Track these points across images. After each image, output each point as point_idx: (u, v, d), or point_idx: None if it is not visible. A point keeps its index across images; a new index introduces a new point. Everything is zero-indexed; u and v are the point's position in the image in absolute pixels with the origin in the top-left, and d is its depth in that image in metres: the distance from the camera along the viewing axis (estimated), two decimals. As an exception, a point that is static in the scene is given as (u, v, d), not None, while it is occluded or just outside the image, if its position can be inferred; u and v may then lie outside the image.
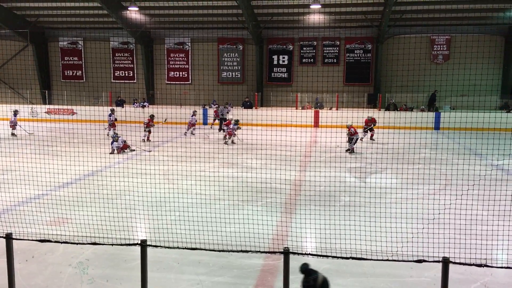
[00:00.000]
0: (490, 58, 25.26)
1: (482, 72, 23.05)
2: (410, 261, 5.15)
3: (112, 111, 19.95)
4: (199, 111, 24.64)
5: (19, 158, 12.57)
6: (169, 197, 9.83)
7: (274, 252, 4.49)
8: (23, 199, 9.82)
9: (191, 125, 20.80)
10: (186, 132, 20.61)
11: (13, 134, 19.84)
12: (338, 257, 4.63)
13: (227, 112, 23.62)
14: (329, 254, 6.03)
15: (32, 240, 4.60)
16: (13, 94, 29.24)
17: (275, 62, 28.04)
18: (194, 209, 8.97)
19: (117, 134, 15.88)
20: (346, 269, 6.53)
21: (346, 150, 16.44)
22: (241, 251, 4.61)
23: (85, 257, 6.92)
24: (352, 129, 16.37)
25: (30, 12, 26.92)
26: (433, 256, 5.72)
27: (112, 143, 15.53)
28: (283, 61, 27.96)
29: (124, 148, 15.76)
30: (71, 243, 4.78)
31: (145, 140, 18.49)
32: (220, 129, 22.04)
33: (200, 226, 7.61)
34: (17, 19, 26.88)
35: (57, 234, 7.24)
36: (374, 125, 18.93)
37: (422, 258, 5.01)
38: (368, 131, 19.06)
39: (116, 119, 19.34)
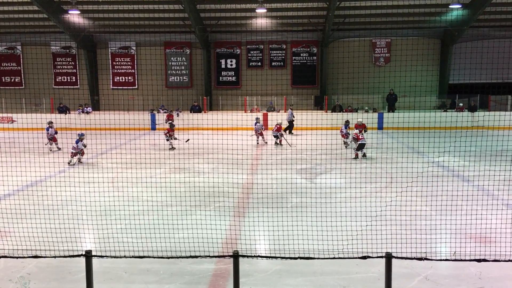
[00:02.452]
0: (428, 60, 26.59)
1: (421, 74, 24.22)
2: (356, 257, 5.32)
3: (50, 124, 18.24)
4: (154, 115, 24.23)
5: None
6: (116, 205, 9.60)
7: (224, 256, 4.51)
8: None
9: (259, 133, 19.27)
10: (260, 141, 19.32)
11: None
12: (287, 258, 4.72)
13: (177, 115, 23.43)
14: (279, 255, 6.13)
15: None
16: None
17: (223, 66, 28.09)
18: (142, 216, 8.82)
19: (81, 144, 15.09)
20: (297, 269, 6.65)
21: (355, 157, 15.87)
22: (191, 256, 4.59)
23: (26, 271, 6.63)
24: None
25: (-39, 16, 25.48)
26: (377, 252, 5.94)
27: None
28: (231, 65, 28.06)
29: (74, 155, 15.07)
30: (11, 257, 4.57)
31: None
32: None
33: (149, 233, 7.49)
34: None
35: (-4, 249, 6.89)
36: (365, 131, 17.63)
37: (367, 254, 5.19)
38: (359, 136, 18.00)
39: (56, 132, 18.03)
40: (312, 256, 5.87)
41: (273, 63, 28.09)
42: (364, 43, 27.34)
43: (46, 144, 17.50)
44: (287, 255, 6.18)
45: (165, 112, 25.93)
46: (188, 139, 15.22)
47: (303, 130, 17.87)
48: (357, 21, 26.29)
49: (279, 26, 26.48)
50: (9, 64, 28.38)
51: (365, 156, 15.64)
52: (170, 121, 21.26)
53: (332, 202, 9.63)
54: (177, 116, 25.04)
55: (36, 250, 6.59)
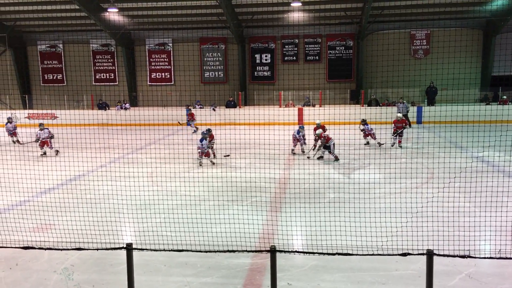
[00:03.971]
0: (469, 51, 25.68)
1: (462, 66, 23.45)
2: (395, 254, 5.21)
3: (9, 119, 19.20)
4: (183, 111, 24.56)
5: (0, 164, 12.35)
6: (155, 199, 9.78)
7: (261, 251, 4.50)
8: (5, 206, 9.66)
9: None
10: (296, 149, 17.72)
11: (17, 141, 19.02)
12: (325, 254, 4.66)
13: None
14: (316, 250, 6.08)
15: (15, 247, 4.52)
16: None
17: (258, 61, 28.07)
18: (180, 210, 8.93)
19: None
20: (333, 265, 6.58)
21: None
22: (228, 251, 4.61)
23: (70, 262, 6.84)
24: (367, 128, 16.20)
25: (7, 16, 26.46)
26: (418, 249, 5.79)
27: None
28: (266, 60, 28.00)
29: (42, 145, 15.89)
30: (55, 249, 4.71)
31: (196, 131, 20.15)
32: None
33: (186, 227, 7.58)
34: (-6, 23, 26.43)
35: (41, 241, 7.13)
36: (406, 127, 16.45)
37: (407, 251, 5.07)
38: (398, 135, 16.35)
39: (15, 128, 19.08)
40: (350, 252, 5.79)
41: (308, 57, 27.85)
42: (402, 35, 26.69)
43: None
44: (323, 251, 6.12)
45: (200, 108, 26.21)
46: (229, 155, 14.67)
47: (339, 125, 17.63)
48: (395, 12, 25.67)
49: (315, 20, 26.19)
50: (51, 62, 29.33)
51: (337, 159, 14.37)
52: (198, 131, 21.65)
53: (370, 198, 9.47)
54: (213, 111, 25.25)
55: (78, 242, 6.79)
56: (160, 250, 4.79)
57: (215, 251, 4.95)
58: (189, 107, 24.46)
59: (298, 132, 15.73)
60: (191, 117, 22.17)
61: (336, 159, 14.27)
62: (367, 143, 17.34)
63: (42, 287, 6.17)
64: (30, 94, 28.90)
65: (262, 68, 28.11)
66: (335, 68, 27.49)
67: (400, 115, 16.81)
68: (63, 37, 28.69)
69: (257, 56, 28.02)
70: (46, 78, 29.49)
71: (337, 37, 27.43)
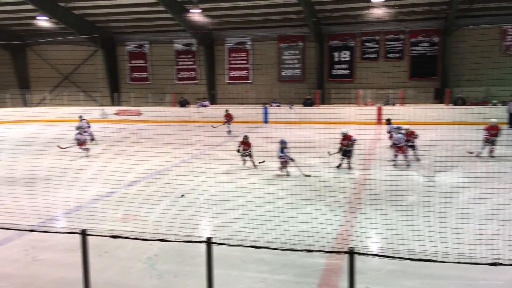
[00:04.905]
0: None
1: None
2: (485, 264, 4.87)
3: (81, 118, 19.01)
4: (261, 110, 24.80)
5: (91, 157, 13.30)
6: (232, 195, 9.97)
7: (339, 252, 4.41)
8: (95, 197, 10.35)
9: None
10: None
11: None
12: (406, 259, 4.46)
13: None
14: (394, 254, 5.84)
15: (105, 236, 4.82)
16: (85, 96, 30.92)
17: (336, 59, 27.61)
18: (256, 207, 9.03)
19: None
20: (413, 271, 6.30)
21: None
22: (306, 250, 4.57)
23: (153, 252, 7.17)
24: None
25: (99, 18, 28.32)
26: (510, 259, 5.37)
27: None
28: (344, 57, 27.47)
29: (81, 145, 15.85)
30: (140, 239, 4.96)
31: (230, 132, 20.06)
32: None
33: (262, 224, 7.64)
34: (88, 25, 28.39)
35: (126, 231, 7.53)
36: (498, 135, 14.31)
37: (497, 261, 4.72)
38: (490, 143, 14.35)
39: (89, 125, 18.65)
40: (432, 258, 5.50)
41: (389, 55, 26.91)
42: (492, 30, 24.91)
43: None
44: (402, 255, 5.88)
45: (277, 106, 26.32)
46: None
47: (421, 125, 16.88)
48: (485, 6, 24.02)
49: (397, 16, 25.23)
50: (138, 61, 30.96)
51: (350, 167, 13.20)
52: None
53: (455, 202, 8.95)
54: (290, 108, 25.27)
55: (161, 234, 7.07)
56: (238, 246, 4.86)
57: (292, 250, 4.93)
58: (227, 110, 24.25)
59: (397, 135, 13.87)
60: (228, 118, 22.24)
61: (349, 167, 13.15)
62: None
63: (127, 274, 6.53)
64: (119, 91, 30.72)
65: (341, 66, 27.62)
66: (418, 65, 26.29)
67: (494, 120, 14.61)
68: (149, 38, 30.15)
69: (336, 54, 27.57)
70: (133, 76, 31.19)
71: (421, 33, 26.22)
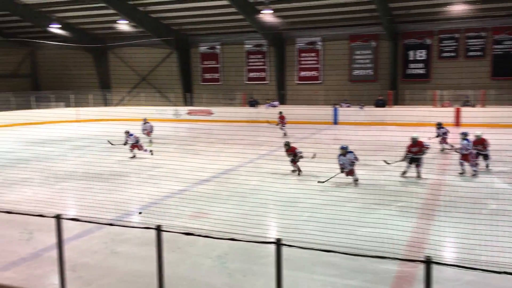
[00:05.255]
0: None
1: None
2: None
3: (145, 120, 19.45)
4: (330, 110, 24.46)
5: (164, 155, 13.77)
6: (300, 196, 9.92)
7: (415, 261, 4.22)
8: (168, 193, 10.73)
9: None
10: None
11: (149, 141, 19.37)
12: (490, 271, 4.17)
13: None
14: (474, 265, 5.50)
15: (178, 232, 4.98)
16: (160, 97, 32.21)
17: (411, 58, 26.56)
18: (325, 209, 8.90)
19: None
20: (493, 283, 5.92)
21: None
22: (378, 257, 4.43)
23: (223, 250, 7.30)
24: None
25: (174, 21, 29.37)
26: None
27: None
28: (420, 57, 26.36)
29: (135, 147, 15.96)
30: (212, 237, 5.06)
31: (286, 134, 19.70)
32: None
33: (331, 226, 7.51)
34: (164, 28, 29.54)
35: (197, 228, 7.72)
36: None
37: None
38: None
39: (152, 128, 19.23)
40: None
41: (470, 53, 25.44)
42: None
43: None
44: (481, 267, 5.52)
45: (347, 106, 25.85)
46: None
47: (505, 128, 15.80)
48: None
49: (478, 12, 23.79)
50: (209, 62, 31.74)
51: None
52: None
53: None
54: (361, 109, 24.72)
55: (230, 232, 7.17)
56: (308, 249, 4.81)
57: (363, 256, 4.79)
58: (280, 112, 23.81)
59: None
60: (281, 120, 21.54)
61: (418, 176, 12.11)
62: (443, 149, 15.58)
63: (197, 270, 6.71)
64: (191, 92, 31.67)
65: (416, 65, 26.53)
66: (502, 64, 24.61)
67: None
68: (221, 39, 30.81)
69: (410, 53, 26.53)
70: (205, 77, 32.02)
71: (505, 30, 24.54)
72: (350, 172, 11.57)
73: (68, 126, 22.91)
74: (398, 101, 26.57)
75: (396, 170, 12.43)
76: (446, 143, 15.63)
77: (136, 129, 17.18)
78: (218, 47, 31.23)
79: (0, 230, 8.41)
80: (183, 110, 29.12)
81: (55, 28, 29.13)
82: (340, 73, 27.83)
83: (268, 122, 21.60)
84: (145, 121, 19.58)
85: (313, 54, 28.82)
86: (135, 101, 31.87)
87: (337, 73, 27.83)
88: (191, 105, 30.24)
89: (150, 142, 18.95)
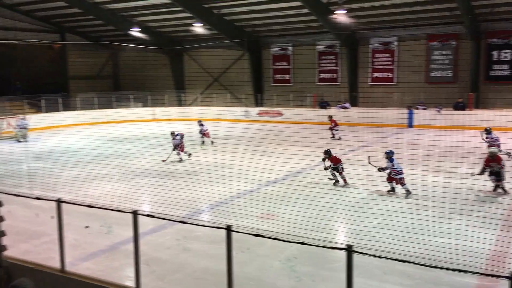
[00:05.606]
0: None
1: None
2: None
3: (200, 122, 19.72)
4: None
5: (234, 155, 13.98)
6: (370, 201, 9.63)
7: (499, 276, 3.92)
8: (237, 193, 10.87)
9: None
10: None
11: (202, 143, 19.66)
12: None
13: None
14: None
15: (247, 233, 5.01)
16: (231, 97, 32.79)
17: (495, 58, 24.89)
18: (398, 215, 8.57)
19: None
20: None
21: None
22: (459, 270, 4.17)
23: (291, 252, 7.26)
24: None
25: (247, 23, 29.77)
26: None
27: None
28: (505, 57, 24.62)
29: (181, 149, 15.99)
30: (280, 240, 5.04)
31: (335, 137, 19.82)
32: None
33: (404, 234, 7.22)
34: (237, 30, 30.05)
35: (264, 230, 7.73)
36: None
37: None
38: None
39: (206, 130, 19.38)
40: None
41: (562, 53, 23.39)
42: None
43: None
44: None
45: (423, 109, 24.78)
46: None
47: None
48: None
49: None
50: (281, 64, 31.80)
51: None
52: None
53: None
54: (438, 112, 23.59)
55: (298, 236, 7.11)
56: (381, 257, 4.64)
57: (443, 268, 4.54)
58: (330, 116, 22.80)
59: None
60: (334, 124, 20.88)
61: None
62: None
63: (265, 271, 6.72)
64: (262, 93, 31.93)
65: (501, 66, 24.80)
66: None
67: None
68: (293, 40, 30.76)
69: (495, 53, 24.85)
70: (276, 78, 32.13)
71: None
72: (392, 179, 11.13)
73: (145, 125, 23.99)
74: (479, 104, 25.01)
75: (476, 178, 11.70)
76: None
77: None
78: (289, 48, 31.21)
79: (83, 222, 8.96)
80: (254, 111, 29.42)
81: (135, 32, 30.65)
82: (416, 74, 26.73)
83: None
84: (200, 123, 19.94)
85: (387, 55, 27.93)
86: (207, 102, 32.67)
87: (413, 74, 26.74)
88: (262, 106, 30.47)
89: (203, 143, 19.44)
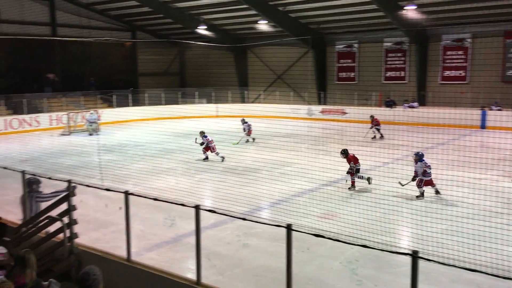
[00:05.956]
0: None
1: None
2: None
3: (243, 120, 19.74)
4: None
5: (296, 153, 13.94)
6: (438, 205, 9.20)
7: None
8: (297, 192, 10.80)
9: None
10: None
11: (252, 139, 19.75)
12: None
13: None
14: None
15: (307, 233, 4.95)
16: (294, 95, 32.67)
17: None
18: (466, 221, 8.12)
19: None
20: None
21: None
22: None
23: (352, 254, 7.10)
24: None
25: (312, 20, 29.48)
26: None
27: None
28: None
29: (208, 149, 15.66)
30: (342, 241, 4.93)
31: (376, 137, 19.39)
32: None
33: (473, 241, 6.83)
34: (301, 27, 29.84)
35: (324, 230, 7.62)
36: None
37: None
38: None
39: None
40: None
41: None
42: None
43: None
44: None
45: (498, 109, 23.35)
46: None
47: None
48: None
49: None
50: (346, 61, 31.21)
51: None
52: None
53: None
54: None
55: (359, 238, 6.94)
56: (449, 265, 4.41)
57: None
58: (372, 115, 21.58)
59: None
60: (376, 123, 20.15)
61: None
62: None
63: (325, 272, 6.62)
64: (325, 91, 31.52)
65: None
66: None
67: None
68: (359, 37, 30.07)
69: None
70: (340, 76, 31.59)
71: None
72: (426, 183, 10.62)
73: (209, 121, 24.49)
74: None
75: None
76: None
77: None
78: (355, 45, 30.55)
79: (148, 214, 9.29)
80: (317, 109, 29.12)
81: (201, 30, 31.34)
82: (491, 73, 25.19)
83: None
84: (244, 121, 20.00)
85: (460, 52, 26.55)
86: (270, 99, 32.75)
87: (488, 73, 25.24)
88: (325, 104, 30.09)
89: (247, 141, 19.44)
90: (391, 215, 8.53)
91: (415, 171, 10.85)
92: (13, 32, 26.74)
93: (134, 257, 6.19)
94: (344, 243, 6.79)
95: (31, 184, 7.45)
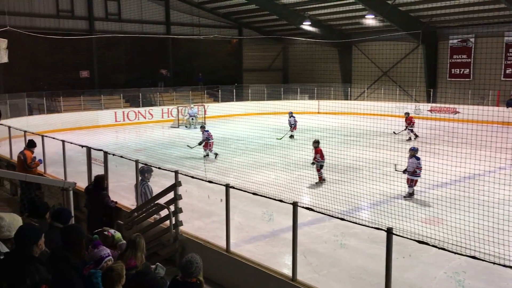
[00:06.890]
0: None
1: None
2: None
3: (290, 114, 19.52)
4: None
5: (399, 153, 13.37)
6: None
7: None
8: (401, 193, 10.34)
9: None
10: None
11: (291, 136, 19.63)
12: None
13: None
14: None
15: (410, 239, 4.72)
16: (400, 92, 31.28)
17: None
18: None
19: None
20: None
21: None
22: None
23: (459, 264, 6.63)
24: None
25: (424, 13, 27.91)
26: None
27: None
28: None
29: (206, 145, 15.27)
30: (449, 251, 4.62)
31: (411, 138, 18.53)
32: None
33: None
34: (411, 21, 28.38)
35: (428, 237, 7.19)
36: None
37: None
38: None
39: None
40: None
41: None
42: None
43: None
44: None
45: None
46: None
47: None
48: None
49: None
50: (459, 57, 29.09)
51: None
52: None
53: None
54: None
55: (467, 248, 6.45)
56: None
57: None
58: (407, 113, 20.07)
59: None
60: (409, 122, 18.78)
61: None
62: None
63: (427, 280, 6.26)
64: (435, 88, 29.70)
65: None
66: None
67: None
68: (476, 31, 27.83)
69: None
70: (452, 72, 29.55)
71: None
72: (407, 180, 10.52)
73: (310, 117, 24.41)
74: None
75: None
76: None
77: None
78: (471, 40, 28.34)
79: (247, 207, 9.53)
80: (425, 107, 27.60)
81: (306, 26, 31.26)
82: None
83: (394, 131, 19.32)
84: (291, 115, 19.74)
85: None
86: (374, 96, 31.72)
87: None
88: (434, 102, 28.40)
89: (291, 136, 19.32)
90: (504, 225, 7.79)
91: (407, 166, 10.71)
92: (132, 31, 29.09)
93: (232, 248, 6.39)
94: (450, 252, 6.39)
95: (143, 173, 8.03)
